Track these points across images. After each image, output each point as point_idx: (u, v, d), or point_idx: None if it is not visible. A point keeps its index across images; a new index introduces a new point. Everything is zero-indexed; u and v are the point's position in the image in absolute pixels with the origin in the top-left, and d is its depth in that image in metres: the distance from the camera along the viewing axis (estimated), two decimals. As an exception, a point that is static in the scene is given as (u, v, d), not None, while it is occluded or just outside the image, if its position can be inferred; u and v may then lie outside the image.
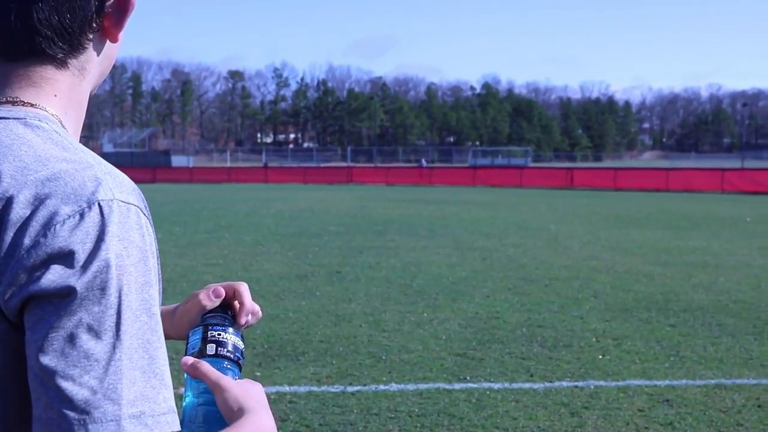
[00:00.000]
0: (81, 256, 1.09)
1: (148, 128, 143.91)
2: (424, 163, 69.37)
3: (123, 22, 1.31)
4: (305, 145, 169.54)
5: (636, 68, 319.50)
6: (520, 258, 15.35)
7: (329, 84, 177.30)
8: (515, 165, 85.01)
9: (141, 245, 1.14)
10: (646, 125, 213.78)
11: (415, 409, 6.37)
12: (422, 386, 7.00)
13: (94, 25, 1.27)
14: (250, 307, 1.61)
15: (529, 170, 61.28)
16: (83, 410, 1.03)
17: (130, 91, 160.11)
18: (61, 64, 1.27)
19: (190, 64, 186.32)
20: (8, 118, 1.20)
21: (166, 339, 1.54)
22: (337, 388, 6.91)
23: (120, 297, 1.09)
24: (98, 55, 1.32)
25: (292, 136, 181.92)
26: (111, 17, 1.29)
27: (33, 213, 1.09)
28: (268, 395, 6.67)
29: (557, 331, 9.13)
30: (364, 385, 7.04)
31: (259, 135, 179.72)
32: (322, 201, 34.74)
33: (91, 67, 1.32)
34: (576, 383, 7.12)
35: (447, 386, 7.01)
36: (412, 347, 8.34)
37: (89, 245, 1.09)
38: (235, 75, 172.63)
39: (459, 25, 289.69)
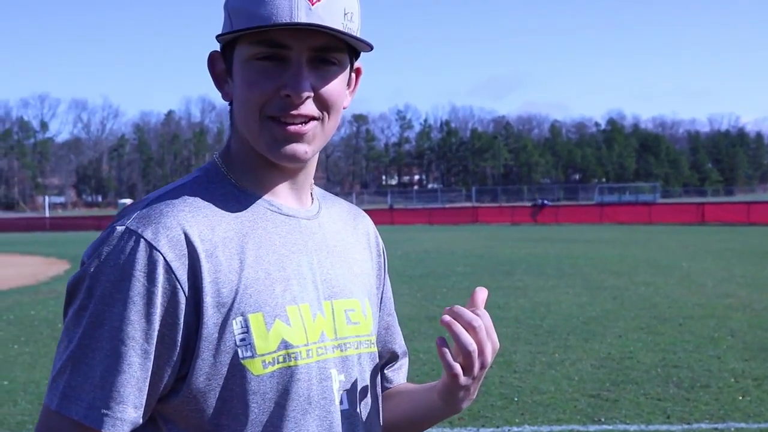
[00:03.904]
0: (81, 266, 1.39)
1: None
2: (543, 202, 67.49)
3: (219, 81, 1.54)
4: (430, 186, 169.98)
5: (767, 98, 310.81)
6: (651, 296, 15.05)
7: (452, 125, 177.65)
8: (643, 201, 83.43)
9: (124, 267, 1.34)
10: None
11: (550, 451, 6.31)
12: (556, 428, 6.93)
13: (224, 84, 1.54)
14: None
15: (658, 206, 60.17)
16: (49, 382, 1.38)
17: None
18: (231, 112, 1.53)
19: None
20: (197, 168, 1.54)
21: (429, 421, 1.66)
22: (470, 430, 6.90)
23: (88, 303, 1.34)
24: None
25: (416, 177, 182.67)
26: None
27: None
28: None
29: (694, 371, 8.92)
30: (497, 426, 7.01)
31: (384, 177, 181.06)
32: (448, 242, 34.77)
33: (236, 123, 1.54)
34: (715, 425, 6.94)
35: (581, 428, 6.92)
36: (544, 388, 8.27)
37: (87, 257, 1.38)
38: (359, 119, 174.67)
39: (583, 62, 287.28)
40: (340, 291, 1.55)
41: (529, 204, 68.89)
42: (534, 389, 8.25)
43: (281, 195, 1.52)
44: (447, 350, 1.43)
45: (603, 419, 7.16)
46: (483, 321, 1.45)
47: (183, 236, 1.36)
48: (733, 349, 10.01)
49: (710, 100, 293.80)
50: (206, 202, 1.42)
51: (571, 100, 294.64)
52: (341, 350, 1.51)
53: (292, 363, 1.40)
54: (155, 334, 1.34)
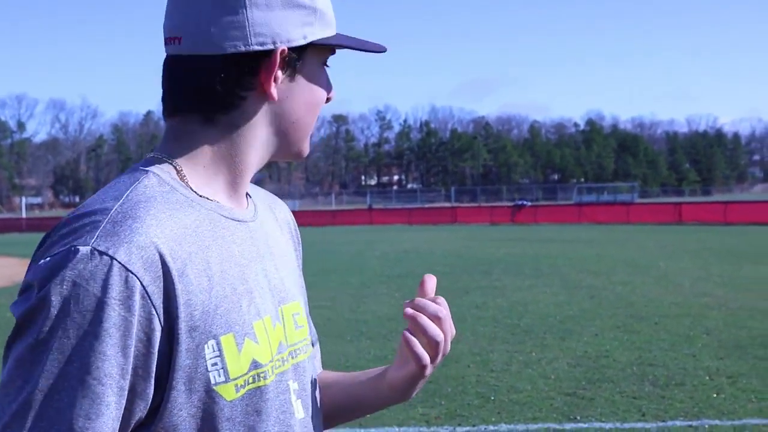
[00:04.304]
0: (33, 292, 1.17)
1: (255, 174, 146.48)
2: (523, 202, 67.32)
3: (272, 79, 1.35)
4: (409, 186, 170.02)
5: (745, 100, 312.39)
6: (628, 296, 15.13)
7: (432, 125, 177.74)
8: (621, 201, 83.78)
9: (99, 296, 1.15)
10: (757, 157, 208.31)
11: (526, 449, 6.34)
12: (532, 426, 6.96)
13: (245, 83, 1.33)
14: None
15: (636, 206, 60.42)
16: None
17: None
18: (207, 121, 1.35)
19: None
20: (132, 171, 1.35)
21: (375, 408, 1.63)
22: (446, 429, 6.93)
23: (51, 337, 1.14)
24: (256, 113, 1.37)
25: (395, 177, 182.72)
26: (265, 75, 1.34)
27: (48, 246, 1.23)
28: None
29: (669, 369, 8.98)
30: (474, 425, 7.04)
31: (363, 177, 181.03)
32: (427, 242, 34.81)
33: (248, 125, 1.37)
34: (690, 422, 6.99)
35: (557, 426, 6.96)
36: (521, 387, 8.30)
37: (42, 283, 1.17)
38: (339, 119, 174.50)
39: (563, 64, 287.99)
40: (287, 295, 1.48)
41: (509, 204, 68.92)
42: (511, 388, 8.29)
43: (229, 198, 1.42)
44: (417, 341, 1.43)
45: (579, 417, 7.20)
46: (445, 310, 1.47)
47: (157, 256, 1.21)
48: (709, 348, 10.08)
49: (689, 102, 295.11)
50: (168, 212, 1.27)
51: (550, 101, 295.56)
52: (293, 357, 1.44)
53: (261, 383, 1.33)
54: (130, 368, 1.18)
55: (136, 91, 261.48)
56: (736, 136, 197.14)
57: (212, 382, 1.25)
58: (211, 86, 1.32)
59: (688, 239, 33.32)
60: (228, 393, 1.27)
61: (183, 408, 1.24)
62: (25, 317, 1.17)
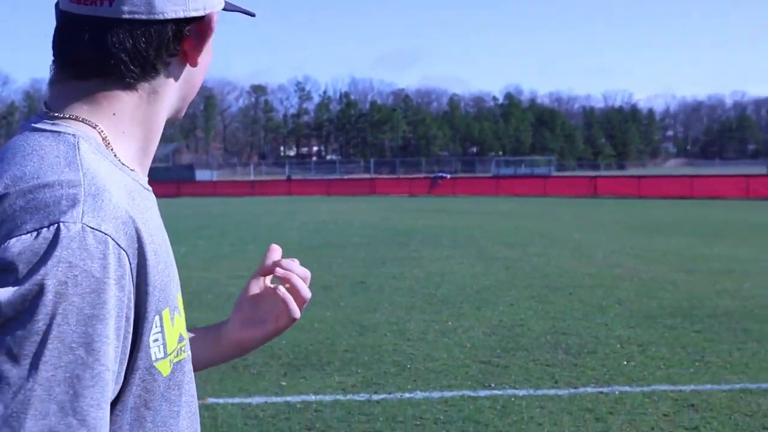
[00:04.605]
0: (19, 275, 1.04)
1: (172, 143, 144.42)
2: (443, 175, 67.24)
3: (202, 45, 1.33)
4: (328, 157, 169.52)
5: (659, 77, 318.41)
6: (544, 267, 15.34)
7: (352, 97, 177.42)
8: (539, 174, 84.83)
9: (98, 276, 1.07)
10: (670, 133, 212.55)
11: (441, 416, 6.40)
12: (447, 394, 7.03)
13: (172, 49, 1.29)
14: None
15: (553, 179, 61.15)
16: None
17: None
18: (130, 86, 1.28)
19: (213, 79, 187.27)
20: (45, 131, 1.22)
21: (209, 365, 1.63)
22: (362, 397, 6.96)
23: (50, 324, 1.03)
24: (176, 79, 1.34)
25: (315, 148, 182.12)
26: (191, 41, 1.31)
27: (2, 222, 1.09)
28: (294, 404, 6.73)
29: (582, 338, 9.14)
30: (390, 393, 7.08)
31: (282, 148, 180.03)
32: (345, 213, 34.80)
33: (166, 91, 1.33)
34: (601, 389, 7.13)
35: (472, 393, 7.03)
36: (437, 355, 8.37)
37: (30, 265, 1.05)
38: (258, 89, 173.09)
39: (482, 37, 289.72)
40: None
41: (428, 176, 69.11)
42: (427, 356, 8.35)
43: (140, 165, 1.35)
44: (292, 298, 1.53)
45: (493, 384, 7.29)
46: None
47: (135, 231, 1.15)
48: (620, 317, 10.28)
49: (605, 77, 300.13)
50: (117, 183, 1.21)
51: (470, 75, 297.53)
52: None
53: (182, 356, 1.29)
54: (121, 351, 1.12)
55: (48, 57, 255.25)
56: (651, 112, 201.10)
57: (153, 358, 1.19)
58: (144, 51, 1.26)
59: (603, 212, 33.91)
60: (165, 369, 1.23)
61: (130, 388, 1.18)
62: (15, 305, 1.04)
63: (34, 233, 1.06)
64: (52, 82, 1.31)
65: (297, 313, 1.54)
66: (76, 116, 1.26)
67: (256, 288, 1.60)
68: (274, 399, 6.92)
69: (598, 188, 51.49)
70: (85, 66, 1.26)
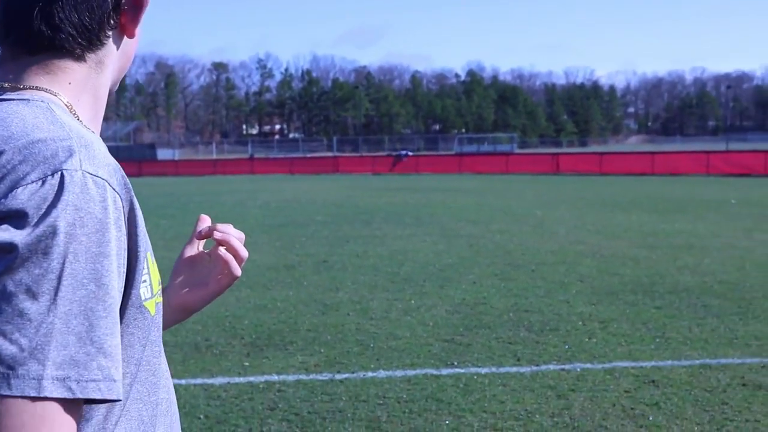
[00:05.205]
0: (31, 219, 1.12)
1: (133, 122, 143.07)
2: (407, 153, 67.09)
3: (138, 18, 1.40)
4: (291, 135, 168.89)
5: (620, 53, 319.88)
6: (506, 244, 15.40)
7: (314, 74, 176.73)
8: (501, 152, 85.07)
9: (101, 217, 1.16)
10: (631, 110, 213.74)
11: (404, 395, 6.41)
12: (410, 372, 7.04)
13: (112, 21, 1.36)
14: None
15: (515, 156, 61.42)
16: (9, 365, 1.06)
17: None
18: (79, 57, 1.36)
19: (173, 57, 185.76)
20: (12, 100, 1.28)
21: (183, 318, 1.74)
22: (325, 376, 6.95)
23: (63, 263, 1.11)
24: (117, 50, 1.42)
25: (277, 127, 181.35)
26: (127, 14, 1.37)
27: (4, 176, 1.15)
28: (257, 385, 6.72)
29: (544, 315, 9.19)
30: (353, 372, 7.07)
31: (244, 126, 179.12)
32: (308, 191, 34.74)
33: (110, 62, 1.41)
34: (563, 366, 7.17)
35: (435, 372, 7.05)
36: (400, 334, 8.38)
37: (42, 210, 1.12)
38: (219, 67, 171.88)
39: (444, 13, 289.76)
40: None
41: (390, 154, 69.03)
42: (390, 335, 8.35)
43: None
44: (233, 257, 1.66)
45: (456, 363, 7.31)
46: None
47: (122, 176, 1.25)
48: (582, 294, 10.35)
49: (567, 54, 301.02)
50: (93, 136, 1.29)
51: (432, 52, 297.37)
52: None
53: (160, 298, 1.37)
54: (121, 287, 1.21)
55: None
56: (612, 88, 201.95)
57: (142, 298, 1.28)
58: (89, 25, 1.34)
59: (565, 189, 34.08)
60: (151, 309, 1.31)
61: (125, 327, 1.25)
62: (31, 246, 1.11)
63: (39, 182, 1.15)
64: (2, 60, 1.37)
65: (239, 271, 1.66)
66: (37, 86, 1.33)
67: (191, 252, 1.72)
68: (237, 379, 6.89)
69: (560, 165, 51.76)
70: (37, 42, 1.33)
